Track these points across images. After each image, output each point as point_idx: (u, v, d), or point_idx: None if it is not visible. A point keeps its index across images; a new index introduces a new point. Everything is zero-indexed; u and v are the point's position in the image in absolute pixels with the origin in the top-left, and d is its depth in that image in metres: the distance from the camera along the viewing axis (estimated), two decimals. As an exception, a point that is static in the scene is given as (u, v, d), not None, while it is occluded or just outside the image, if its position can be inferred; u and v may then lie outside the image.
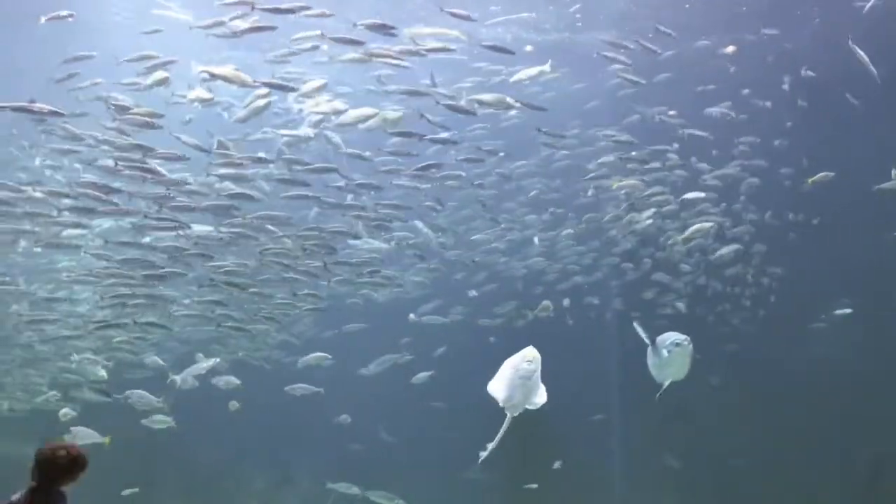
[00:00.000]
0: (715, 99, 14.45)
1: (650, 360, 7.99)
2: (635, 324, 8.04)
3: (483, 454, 7.30)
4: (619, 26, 15.01)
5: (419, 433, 15.27)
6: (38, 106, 9.86)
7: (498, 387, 7.38)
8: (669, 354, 7.79)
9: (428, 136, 12.01)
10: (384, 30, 10.64)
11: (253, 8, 10.24)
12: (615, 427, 15.64)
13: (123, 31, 12.76)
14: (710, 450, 14.94)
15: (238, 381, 13.07)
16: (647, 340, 7.84)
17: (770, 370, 14.89)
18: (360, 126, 11.32)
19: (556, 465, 13.99)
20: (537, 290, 15.34)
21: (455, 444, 14.27)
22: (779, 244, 15.19)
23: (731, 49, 14.46)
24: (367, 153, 12.34)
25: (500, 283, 15.79)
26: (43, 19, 10.99)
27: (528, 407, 7.37)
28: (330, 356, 13.70)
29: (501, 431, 7.30)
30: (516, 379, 7.33)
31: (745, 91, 14.49)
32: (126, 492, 13.25)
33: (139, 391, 12.45)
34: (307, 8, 10.33)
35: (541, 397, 7.37)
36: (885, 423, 13.86)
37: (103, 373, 12.37)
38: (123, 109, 10.59)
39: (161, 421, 12.69)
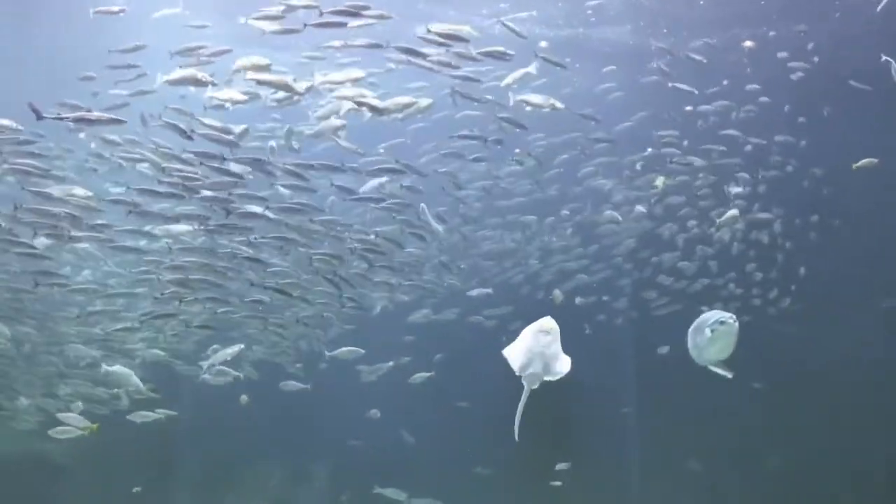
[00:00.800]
0: (730, 95, 14.33)
1: (690, 341, 7.60)
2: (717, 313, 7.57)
3: (516, 430, 7.13)
4: (633, 20, 14.94)
5: (438, 431, 15.25)
6: (96, 115, 9.42)
7: (514, 355, 7.17)
8: (713, 333, 7.33)
9: (490, 139, 12.04)
10: (454, 41, 10.31)
11: (321, 13, 9.81)
12: (632, 423, 15.60)
13: (130, 25, 12.55)
14: (730, 450, 14.91)
15: (237, 374, 12.85)
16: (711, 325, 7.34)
17: (789, 370, 14.82)
18: (398, 116, 10.93)
19: (562, 466, 13.93)
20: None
21: (471, 441, 14.36)
22: (801, 243, 15.14)
23: (748, 44, 14.33)
24: (384, 154, 12.28)
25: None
26: (92, 13, 10.64)
27: (547, 378, 7.13)
28: (362, 350, 13.77)
29: (521, 403, 7.13)
30: (534, 347, 7.12)
31: (755, 86, 14.34)
32: (135, 489, 13.46)
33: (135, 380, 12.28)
34: (367, 7, 9.85)
35: (562, 366, 7.09)
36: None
37: (137, 381, 12.14)
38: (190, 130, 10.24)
39: (147, 415, 12.52)
